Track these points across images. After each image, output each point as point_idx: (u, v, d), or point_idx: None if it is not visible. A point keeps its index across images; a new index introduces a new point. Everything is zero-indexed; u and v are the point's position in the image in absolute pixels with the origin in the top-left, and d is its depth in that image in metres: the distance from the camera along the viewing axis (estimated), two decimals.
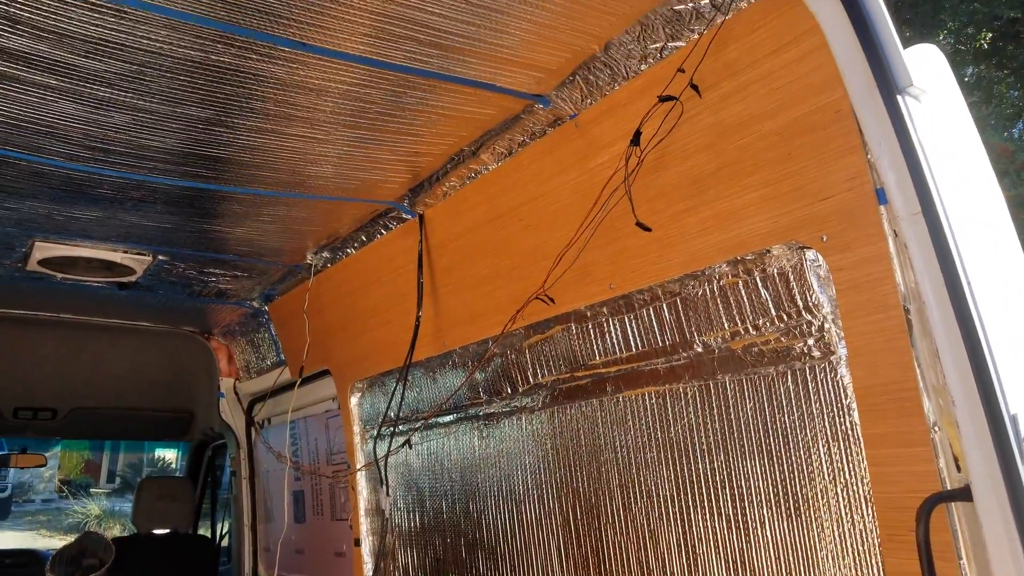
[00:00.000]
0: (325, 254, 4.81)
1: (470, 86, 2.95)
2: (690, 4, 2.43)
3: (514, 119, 3.21)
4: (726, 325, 2.61)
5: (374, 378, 4.79)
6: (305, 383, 5.59)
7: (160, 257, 4.84)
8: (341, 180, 3.72)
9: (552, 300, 3.08)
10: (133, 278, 5.17)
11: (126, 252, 4.74)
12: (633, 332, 2.97)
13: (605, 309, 3.05)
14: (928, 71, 2.20)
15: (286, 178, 3.60)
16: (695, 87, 2.41)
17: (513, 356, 3.57)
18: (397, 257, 4.23)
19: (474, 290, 3.74)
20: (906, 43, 2.02)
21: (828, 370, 2.29)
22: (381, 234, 4.35)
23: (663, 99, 2.51)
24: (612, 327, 3.05)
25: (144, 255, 4.79)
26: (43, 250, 4.56)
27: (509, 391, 3.66)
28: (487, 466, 3.83)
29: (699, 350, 2.72)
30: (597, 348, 3.14)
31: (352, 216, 4.30)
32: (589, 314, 3.13)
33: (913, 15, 13.98)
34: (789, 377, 2.41)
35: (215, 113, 2.94)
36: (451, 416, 4.09)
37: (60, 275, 5.00)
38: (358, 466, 4.86)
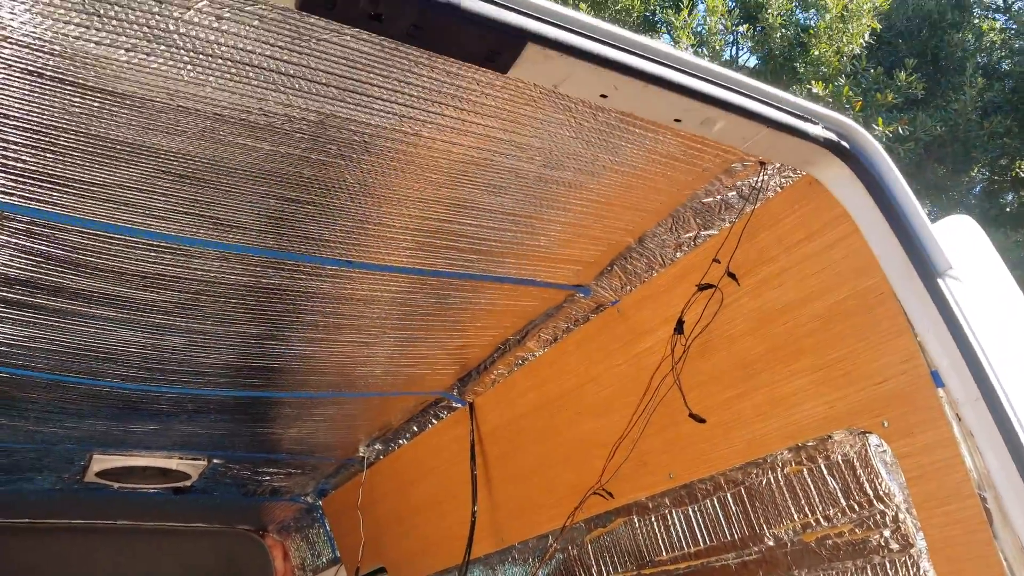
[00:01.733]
0: (377, 446, 4.79)
1: (511, 283, 3.02)
2: (718, 196, 2.50)
3: (557, 308, 3.25)
4: (796, 516, 2.47)
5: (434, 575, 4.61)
6: None
7: (215, 461, 4.87)
8: (390, 377, 3.76)
9: (611, 495, 2.99)
10: (188, 483, 5.18)
11: (181, 458, 4.78)
12: (699, 524, 2.84)
13: (667, 500, 2.93)
14: (965, 244, 2.19)
15: (336, 380, 3.66)
16: (732, 275, 2.43)
17: (575, 552, 3.42)
18: (449, 446, 4.19)
19: (529, 480, 3.65)
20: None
21: (909, 564, 2.13)
22: (432, 423, 4.34)
23: (702, 287, 2.52)
24: (676, 519, 2.92)
25: (199, 460, 4.82)
26: (101, 462, 4.63)
27: None
28: None
29: (770, 544, 2.57)
30: (663, 542, 2.99)
31: (402, 407, 4.31)
32: (651, 505, 3.01)
33: (943, 154, 14.23)
34: (869, 572, 2.25)
35: (266, 329, 3.05)
36: None
37: (117, 484, 5.04)
38: None
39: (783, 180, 2.35)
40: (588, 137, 2.27)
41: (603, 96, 1.82)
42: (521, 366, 3.62)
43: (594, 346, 3.19)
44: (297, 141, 2.13)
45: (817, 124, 2.03)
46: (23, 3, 1.66)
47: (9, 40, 1.75)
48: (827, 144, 2.04)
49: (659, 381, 2.77)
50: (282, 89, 1.98)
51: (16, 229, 2.38)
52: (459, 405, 4.07)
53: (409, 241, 2.64)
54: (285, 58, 1.90)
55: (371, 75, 1.97)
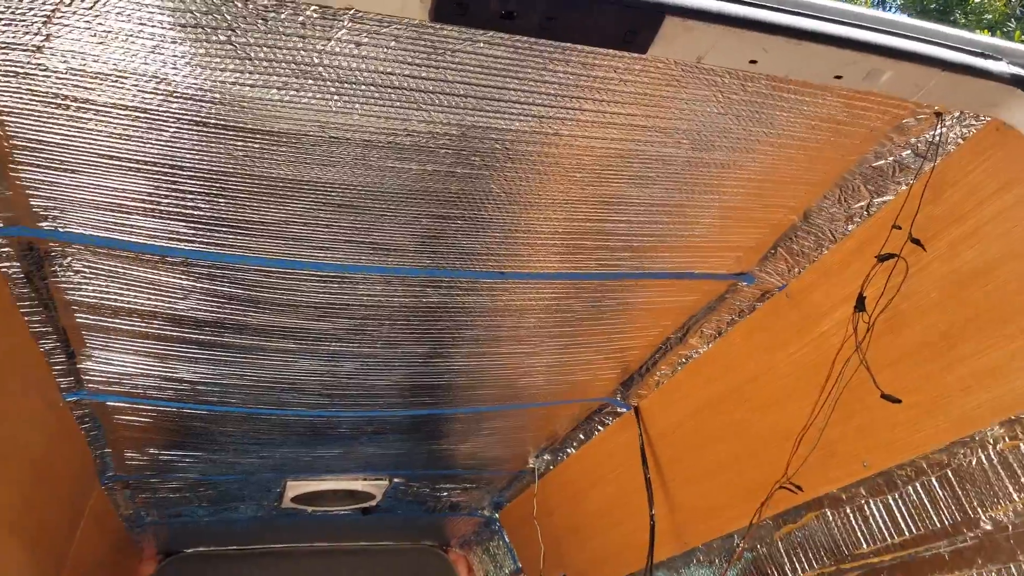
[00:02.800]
0: (546, 456, 4.79)
1: (666, 278, 2.92)
2: (890, 158, 2.30)
3: (718, 300, 3.11)
4: (1016, 496, 2.21)
5: None
6: None
7: (396, 480, 5.05)
8: (553, 386, 3.74)
9: (799, 488, 2.80)
10: (374, 502, 5.41)
11: (366, 479, 5.00)
12: (902, 513, 2.61)
13: (862, 490, 2.72)
14: None
15: (501, 393, 3.69)
16: (917, 241, 2.22)
17: (765, 550, 3.25)
18: (618, 453, 4.11)
19: (707, 480, 3.51)
20: None
21: None
22: (598, 431, 4.28)
23: (882, 258, 2.32)
24: (875, 509, 2.70)
25: (382, 480, 5.02)
26: (294, 488, 4.92)
27: None
28: None
29: (988, 528, 2.32)
30: (862, 534, 2.77)
31: (568, 416, 4.28)
32: (844, 497, 2.80)
33: None
34: None
35: (431, 347, 3.11)
36: None
37: (311, 509, 5.33)
38: None
39: (964, 130, 2.12)
40: (738, 111, 2.15)
41: (752, 62, 1.71)
42: (685, 365, 3.49)
43: (764, 336, 3.02)
44: (442, 157, 2.15)
45: (1001, 60, 1.82)
46: (183, 56, 1.78)
47: (175, 94, 1.88)
48: (1015, 81, 1.81)
49: (842, 364, 2.58)
50: (423, 107, 2.00)
51: (200, 274, 2.56)
52: (624, 410, 4.00)
53: (559, 246, 2.61)
54: (423, 75, 1.92)
55: (507, 79, 1.96)
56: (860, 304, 2.40)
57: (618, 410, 4.05)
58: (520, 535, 5.70)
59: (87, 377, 3.16)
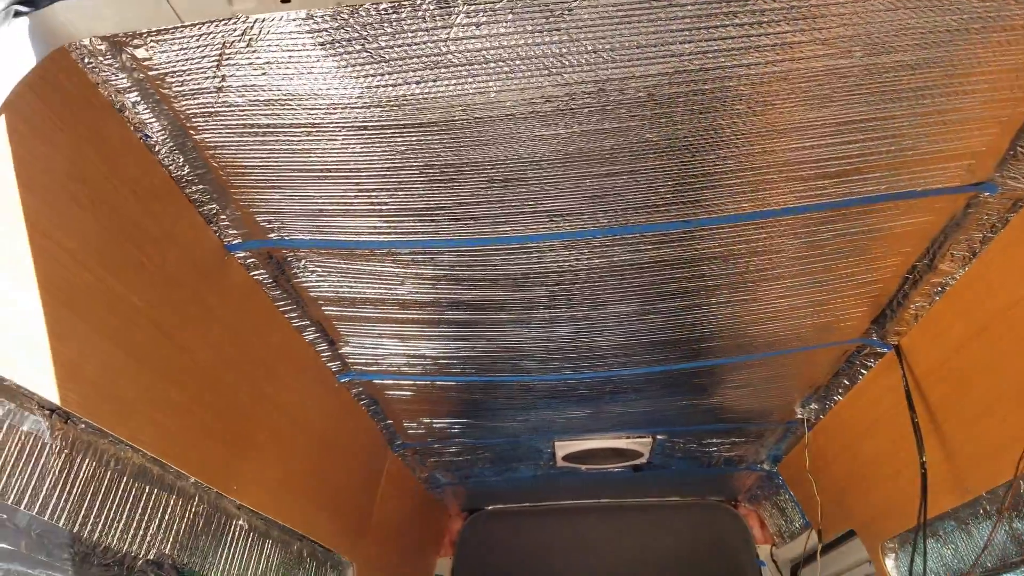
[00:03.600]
0: (813, 406, 4.50)
1: (887, 200, 2.60)
2: None
3: (961, 217, 2.71)
4: None
5: (905, 535, 4.15)
6: (833, 546, 5.10)
7: (659, 437, 5.07)
8: (797, 330, 3.51)
9: None
10: (643, 459, 5.48)
11: (628, 437, 5.08)
12: None
13: None
14: None
15: (738, 342, 3.54)
16: None
17: None
18: (885, 396, 3.75)
19: (983, 420, 3.08)
20: None
21: None
22: (862, 374, 3.93)
23: None
24: None
25: (644, 437, 5.07)
26: (562, 448, 5.16)
27: None
28: None
29: None
30: None
31: (825, 361, 3.99)
32: None
33: None
34: None
35: (639, 304, 3.09)
36: None
37: (584, 467, 5.55)
38: None
39: None
40: (913, 2, 1.87)
41: None
42: (942, 293, 3.09)
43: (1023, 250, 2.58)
44: (586, 116, 2.14)
45: None
46: (329, 71, 1.98)
47: (334, 106, 2.09)
48: None
49: None
50: (554, 71, 2.01)
51: (406, 261, 2.81)
52: (884, 350, 3.63)
53: (741, 184, 2.45)
54: (546, 39, 1.93)
55: (632, 24, 1.90)
56: None
57: (878, 350, 3.70)
58: (801, 489, 5.43)
59: (350, 360, 3.62)
